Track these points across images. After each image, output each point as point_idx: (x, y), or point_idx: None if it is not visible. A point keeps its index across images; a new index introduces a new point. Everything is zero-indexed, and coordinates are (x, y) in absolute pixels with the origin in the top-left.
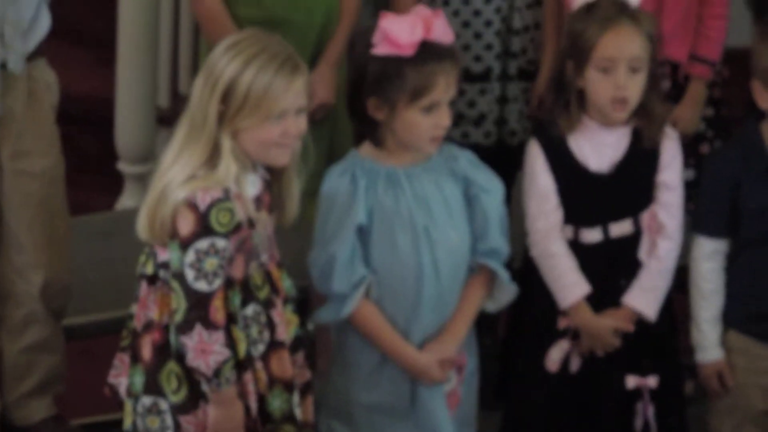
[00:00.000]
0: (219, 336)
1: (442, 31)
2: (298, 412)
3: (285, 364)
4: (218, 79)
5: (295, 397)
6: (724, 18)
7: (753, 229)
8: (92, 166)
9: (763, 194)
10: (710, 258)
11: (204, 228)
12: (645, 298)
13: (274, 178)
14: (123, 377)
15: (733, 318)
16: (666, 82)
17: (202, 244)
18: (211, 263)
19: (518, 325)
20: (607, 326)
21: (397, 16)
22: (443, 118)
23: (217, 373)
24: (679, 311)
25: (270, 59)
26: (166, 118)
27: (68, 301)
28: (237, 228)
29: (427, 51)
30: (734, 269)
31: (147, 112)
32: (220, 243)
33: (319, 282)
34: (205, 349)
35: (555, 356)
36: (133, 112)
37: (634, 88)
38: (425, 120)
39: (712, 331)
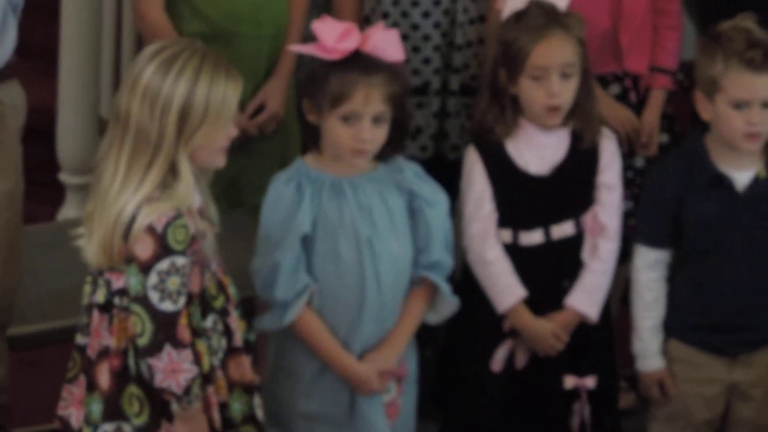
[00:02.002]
0: (188, 353)
1: (384, 47)
2: (259, 414)
3: (243, 368)
4: (170, 101)
5: (256, 399)
6: (678, 29)
7: (695, 240)
8: (34, 176)
9: (706, 205)
10: (652, 268)
11: (163, 248)
12: (587, 299)
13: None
14: (73, 408)
15: (674, 327)
16: (632, 94)
17: (163, 264)
18: (173, 282)
19: (461, 331)
20: (546, 329)
21: (334, 20)
22: (362, 132)
23: (188, 390)
24: (623, 323)
25: (215, 67)
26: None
27: (12, 314)
28: (191, 242)
29: (356, 61)
30: (676, 279)
31: (89, 123)
32: (180, 261)
33: (262, 289)
34: (175, 369)
35: (500, 356)
36: (75, 122)
37: (566, 93)
38: (345, 130)
39: (653, 340)
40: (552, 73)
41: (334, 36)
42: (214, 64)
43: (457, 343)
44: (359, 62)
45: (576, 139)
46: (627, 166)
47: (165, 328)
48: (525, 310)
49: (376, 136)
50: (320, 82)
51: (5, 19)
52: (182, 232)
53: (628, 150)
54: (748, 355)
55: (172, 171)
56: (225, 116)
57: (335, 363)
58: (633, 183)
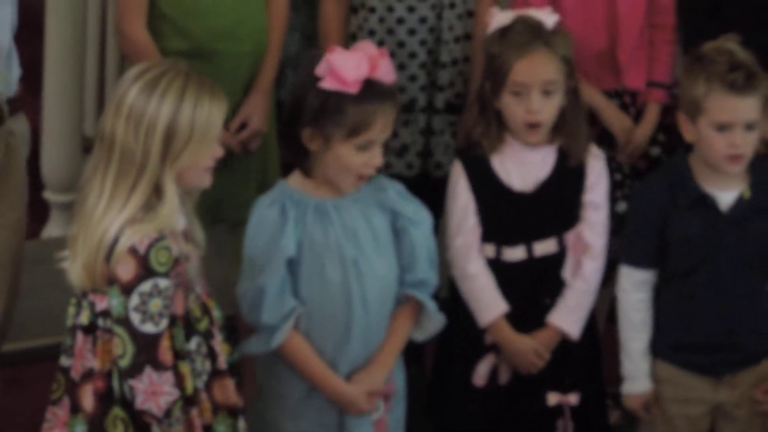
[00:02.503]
0: (168, 376)
1: (386, 71)
2: None
3: (228, 391)
4: (155, 122)
5: (241, 422)
6: (674, 43)
7: (680, 260)
8: None
9: (690, 225)
10: (638, 288)
11: (146, 270)
12: (569, 317)
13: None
14: (57, 430)
15: (659, 347)
16: (631, 110)
17: (145, 286)
18: (155, 304)
19: (447, 345)
20: (527, 345)
21: (344, 52)
22: (375, 158)
23: (168, 413)
24: (608, 340)
25: (200, 88)
26: (93, 147)
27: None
28: (174, 264)
29: (370, 90)
30: (661, 299)
31: (73, 141)
32: (163, 283)
33: (248, 314)
34: (155, 391)
35: (482, 371)
36: (60, 140)
37: (547, 111)
38: (357, 157)
39: (643, 361)
40: (532, 90)
41: (352, 68)
42: (198, 85)
43: (443, 357)
44: (373, 91)
45: (563, 156)
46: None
47: (146, 349)
48: (506, 326)
49: (381, 161)
50: (334, 113)
51: (11, 47)
52: (165, 254)
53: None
54: (733, 375)
55: (157, 193)
56: (210, 137)
57: (323, 385)
58: (622, 184)
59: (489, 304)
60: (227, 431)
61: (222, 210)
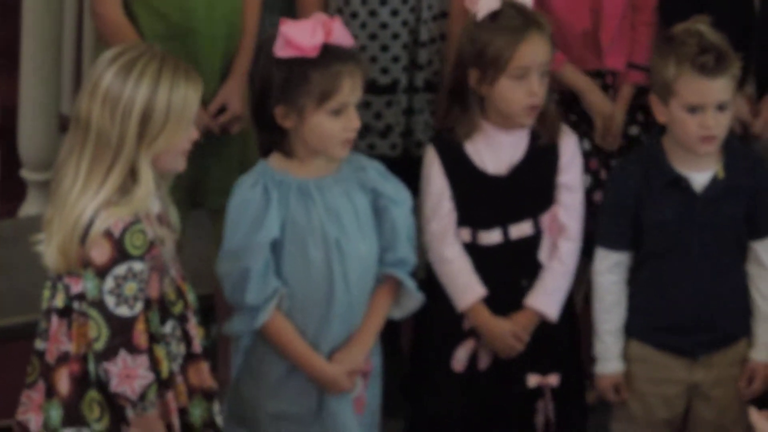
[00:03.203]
0: (143, 360)
1: (342, 35)
2: (218, 420)
3: (203, 375)
4: (131, 105)
5: (216, 405)
6: (653, 25)
7: (655, 242)
8: None
9: (665, 208)
10: (612, 271)
11: (120, 253)
12: (548, 299)
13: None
14: (32, 413)
15: (635, 328)
16: (611, 91)
17: (120, 269)
18: (130, 288)
19: (425, 328)
20: (504, 329)
21: (296, 21)
22: (352, 120)
23: (143, 396)
24: (586, 322)
25: (175, 70)
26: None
27: None
28: (150, 248)
29: (331, 53)
30: (636, 281)
31: (50, 120)
32: (137, 266)
33: (232, 294)
34: (129, 374)
35: (461, 356)
36: (36, 119)
37: (543, 92)
38: (334, 123)
39: (614, 343)
40: (532, 72)
41: (307, 34)
42: (174, 68)
43: (421, 341)
44: (333, 54)
45: (535, 138)
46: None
47: (121, 333)
48: (484, 309)
49: (358, 123)
50: (300, 83)
51: None
52: (140, 237)
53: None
54: (709, 356)
55: (133, 176)
56: (186, 119)
57: (305, 365)
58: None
59: (466, 288)
60: (203, 414)
61: (201, 195)
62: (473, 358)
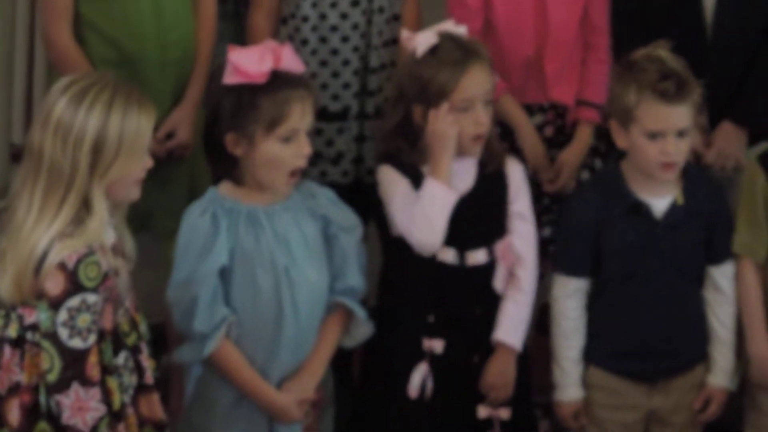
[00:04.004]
0: (95, 392)
1: (291, 61)
2: None
3: (154, 406)
4: (82, 135)
5: None
6: (607, 63)
7: (614, 268)
8: None
9: (625, 233)
10: (571, 297)
11: (74, 285)
12: (513, 331)
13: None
14: None
15: (594, 355)
16: (549, 129)
17: (74, 301)
18: (83, 320)
19: (379, 356)
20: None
21: (244, 48)
22: (303, 147)
23: (94, 429)
24: (538, 350)
25: (128, 99)
26: (21, 155)
27: None
28: (104, 280)
29: (279, 79)
30: (595, 307)
31: (1, 149)
32: (91, 298)
33: (181, 322)
34: (82, 407)
35: (415, 381)
36: None
37: (488, 121)
38: (285, 150)
39: (573, 369)
40: (477, 102)
41: (255, 61)
42: (127, 96)
43: (373, 369)
44: (282, 80)
45: (483, 166)
46: (544, 193)
47: (73, 365)
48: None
49: (310, 149)
50: (249, 109)
51: None
52: (94, 269)
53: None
54: (667, 382)
55: (86, 206)
56: (139, 148)
57: (254, 393)
58: (549, 210)
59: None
60: None
61: (150, 219)
62: (423, 389)
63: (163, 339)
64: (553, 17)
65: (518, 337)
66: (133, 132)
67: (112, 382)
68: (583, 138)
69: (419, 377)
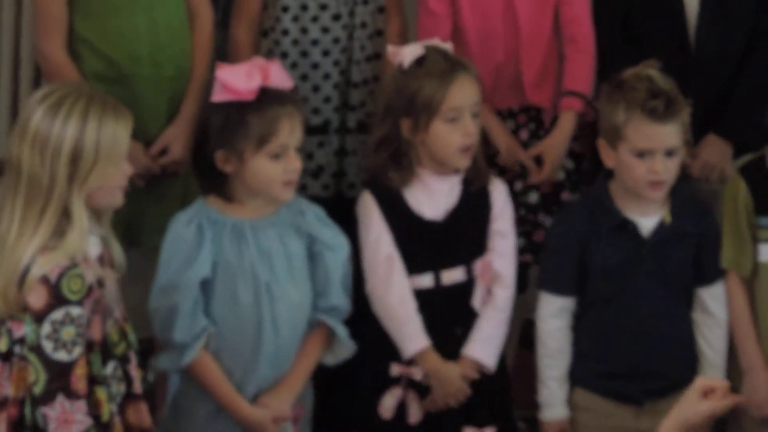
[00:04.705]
0: (81, 405)
1: (280, 77)
2: None
3: (142, 415)
4: (59, 145)
5: None
6: (590, 53)
7: (600, 288)
8: None
9: (612, 252)
10: (557, 316)
11: (57, 299)
12: (485, 348)
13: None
14: None
15: (580, 376)
16: (523, 132)
17: (57, 314)
18: (68, 332)
19: (351, 375)
20: (455, 372)
21: (232, 66)
22: (293, 162)
23: None
24: (522, 366)
25: (103, 108)
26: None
27: None
28: (89, 292)
29: (268, 96)
30: (581, 327)
31: None
32: (75, 311)
33: (161, 331)
34: (67, 419)
35: (388, 404)
36: None
37: (476, 132)
38: (275, 166)
39: (559, 389)
40: (465, 113)
41: (243, 78)
42: (102, 105)
43: (347, 388)
44: (271, 96)
45: (468, 184)
46: (520, 203)
47: (59, 377)
48: (434, 354)
49: (300, 164)
50: (238, 126)
51: None
52: (77, 282)
53: (523, 188)
54: (654, 403)
55: (68, 217)
56: (117, 155)
57: (230, 407)
58: (525, 220)
59: (413, 336)
60: None
61: (140, 233)
62: (402, 410)
63: (151, 353)
64: (524, 23)
65: (489, 354)
66: (110, 140)
67: (101, 393)
68: (565, 126)
69: (393, 400)
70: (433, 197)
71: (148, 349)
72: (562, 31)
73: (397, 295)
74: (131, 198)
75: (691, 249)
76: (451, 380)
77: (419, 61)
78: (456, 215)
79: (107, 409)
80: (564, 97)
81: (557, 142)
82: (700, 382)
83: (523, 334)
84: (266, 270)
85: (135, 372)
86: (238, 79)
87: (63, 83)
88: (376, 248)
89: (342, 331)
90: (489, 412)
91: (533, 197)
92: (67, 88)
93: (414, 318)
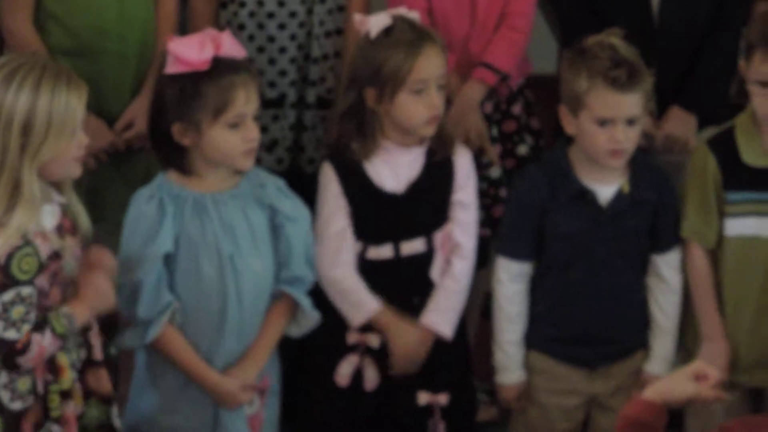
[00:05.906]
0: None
1: (232, 47)
2: (117, 422)
3: (102, 380)
4: (11, 116)
5: (114, 409)
6: (521, 32)
7: (558, 253)
8: None
9: (569, 219)
10: (514, 281)
11: (7, 279)
12: (442, 317)
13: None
14: None
15: (535, 339)
16: (487, 106)
17: (7, 295)
18: (18, 311)
19: (307, 343)
20: (413, 335)
21: (184, 37)
22: (251, 131)
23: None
24: (485, 339)
25: (56, 78)
26: None
27: None
28: (45, 267)
29: (222, 65)
30: (538, 291)
31: None
32: (26, 290)
33: (125, 307)
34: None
35: (344, 371)
36: None
37: (442, 104)
38: (233, 136)
39: (515, 353)
40: (431, 85)
41: (195, 48)
42: (55, 76)
43: (303, 357)
44: (225, 65)
45: (431, 155)
46: (482, 176)
47: (8, 355)
48: (388, 311)
49: (258, 133)
50: (193, 97)
51: None
52: (29, 261)
53: (486, 162)
54: (608, 367)
55: (17, 190)
56: (70, 126)
57: (199, 378)
58: (486, 194)
59: (360, 304)
60: (99, 416)
61: (104, 209)
62: (359, 378)
63: (114, 329)
64: (480, 1)
65: (443, 323)
66: (62, 111)
67: (63, 359)
68: (467, 94)
69: (349, 367)
70: (394, 169)
71: (111, 325)
72: (505, 7)
73: (341, 272)
74: (95, 174)
75: (649, 217)
76: (409, 334)
77: (386, 31)
78: (417, 187)
79: (69, 376)
80: (478, 67)
81: (458, 114)
82: (697, 365)
83: (485, 307)
84: (229, 243)
85: (95, 339)
86: (191, 50)
87: (19, 54)
88: (328, 223)
89: (306, 302)
90: (446, 379)
91: (495, 172)
92: (22, 59)
93: (360, 287)
